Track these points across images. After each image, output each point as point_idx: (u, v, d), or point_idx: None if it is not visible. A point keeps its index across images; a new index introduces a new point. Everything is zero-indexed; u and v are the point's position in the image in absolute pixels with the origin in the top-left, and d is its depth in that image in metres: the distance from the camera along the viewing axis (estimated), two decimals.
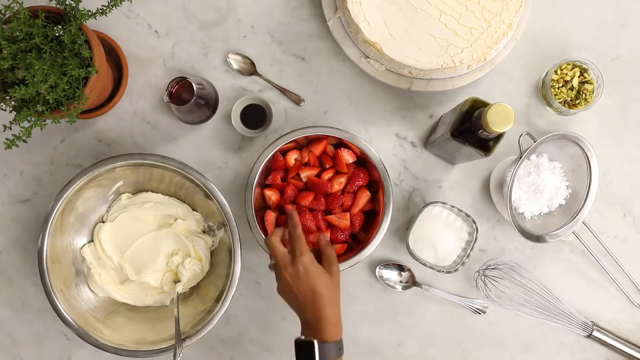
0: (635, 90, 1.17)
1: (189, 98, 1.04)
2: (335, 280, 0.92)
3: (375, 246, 1.05)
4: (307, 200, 1.07)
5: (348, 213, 1.08)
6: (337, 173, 1.09)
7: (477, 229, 1.10)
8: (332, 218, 1.08)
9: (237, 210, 1.10)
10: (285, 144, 1.06)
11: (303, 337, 0.89)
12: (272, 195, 1.09)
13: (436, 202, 1.12)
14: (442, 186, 1.17)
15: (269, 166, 1.08)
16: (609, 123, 1.17)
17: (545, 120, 1.17)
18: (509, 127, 0.90)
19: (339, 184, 1.08)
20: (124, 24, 1.17)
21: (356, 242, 1.11)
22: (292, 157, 1.09)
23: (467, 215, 1.11)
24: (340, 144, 1.10)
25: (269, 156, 1.05)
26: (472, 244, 1.10)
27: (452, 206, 1.12)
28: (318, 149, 1.09)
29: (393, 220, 1.08)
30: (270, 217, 1.08)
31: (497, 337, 1.17)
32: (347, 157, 1.09)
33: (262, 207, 1.10)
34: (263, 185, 1.10)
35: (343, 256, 1.08)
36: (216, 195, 1.06)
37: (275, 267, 0.94)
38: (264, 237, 1.05)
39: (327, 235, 1.07)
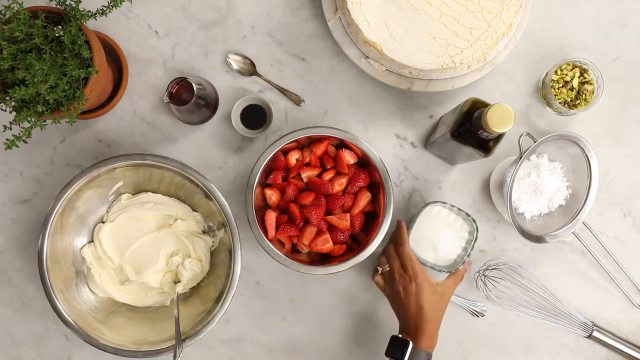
0: (635, 90, 1.17)
1: (189, 98, 1.04)
2: (442, 299, 1.04)
3: (375, 247, 1.05)
4: (308, 200, 1.07)
5: (348, 214, 1.08)
6: (338, 174, 1.09)
7: (477, 228, 1.10)
8: (332, 219, 1.08)
9: (237, 211, 1.11)
10: (287, 143, 1.06)
11: (400, 336, 1.01)
12: (272, 195, 1.09)
13: (436, 201, 1.12)
14: (442, 186, 1.17)
15: (270, 166, 1.08)
16: (609, 123, 1.17)
17: (545, 120, 1.17)
18: (509, 127, 0.90)
19: (339, 184, 1.08)
20: (124, 24, 1.17)
21: (356, 243, 1.11)
22: (294, 157, 1.09)
23: (467, 215, 1.11)
24: (341, 144, 1.10)
25: (270, 156, 1.05)
26: (472, 243, 1.10)
27: (452, 205, 1.11)
28: (319, 149, 1.09)
29: (393, 221, 1.08)
30: (271, 216, 1.08)
31: (497, 338, 1.17)
32: (348, 157, 1.09)
33: (263, 206, 1.10)
34: (264, 184, 1.10)
35: (342, 257, 1.08)
36: (216, 195, 1.06)
37: (390, 277, 1.06)
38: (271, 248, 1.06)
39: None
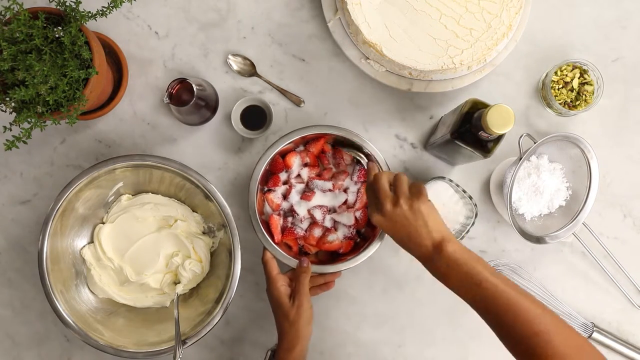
0: (635, 91, 1.17)
1: (189, 99, 1.04)
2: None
3: (381, 243, 1.05)
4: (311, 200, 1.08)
5: (352, 209, 1.08)
6: (338, 171, 1.10)
7: (476, 213, 1.10)
8: (336, 216, 1.08)
9: (237, 212, 1.10)
10: (284, 145, 1.06)
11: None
12: (274, 199, 1.09)
13: (444, 177, 1.12)
14: None
15: (268, 170, 1.08)
16: (609, 124, 1.17)
17: (546, 121, 1.17)
18: (509, 128, 0.90)
19: (341, 180, 1.09)
20: (124, 25, 1.17)
21: (363, 239, 1.11)
22: (292, 159, 1.09)
23: (470, 198, 1.10)
24: (338, 143, 1.10)
25: (269, 158, 1.05)
26: (468, 227, 1.10)
27: (458, 185, 1.10)
28: (316, 148, 1.09)
29: None
30: (275, 221, 1.08)
31: (497, 338, 1.17)
32: (346, 156, 1.09)
33: (266, 211, 1.10)
34: (265, 190, 1.10)
35: (352, 253, 1.08)
36: (216, 196, 1.06)
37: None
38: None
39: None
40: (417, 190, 0.92)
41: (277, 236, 1.07)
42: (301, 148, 1.11)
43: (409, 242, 0.91)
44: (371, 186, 0.96)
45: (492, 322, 0.85)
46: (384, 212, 0.92)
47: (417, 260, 1.13)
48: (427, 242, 0.89)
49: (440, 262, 0.88)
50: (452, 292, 0.91)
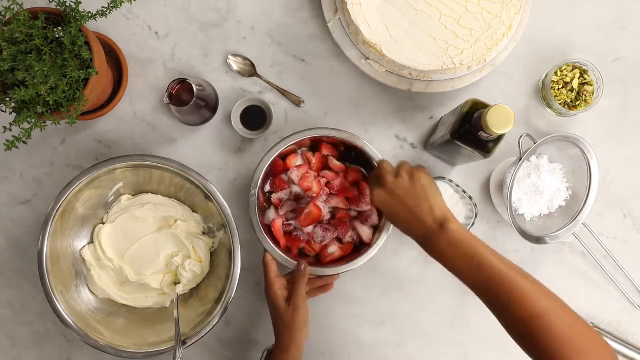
0: (635, 91, 1.17)
1: (189, 99, 1.04)
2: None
3: (382, 244, 1.05)
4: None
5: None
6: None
7: (476, 214, 1.10)
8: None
9: (237, 212, 1.10)
10: (283, 149, 1.06)
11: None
12: (275, 199, 1.09)
13: (444, 178, 1.12)
14: None
15: (269, 172, 1.08)
16: (609, 124, 1.17)
17: (545, 121, 1.17)
18: (509, 128, 0.90)
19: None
20: (124, 25, 1.17)
21: (362, 244, 1.11)
22: (292, 160, 1.08)
23: (471, 198, 1.10)
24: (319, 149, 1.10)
25: (268, 163, 1.05)
26: (468, 228, 1.09)
27: (458, 186, 1.10)
28: (317, 156, 1.09)
29: None
30: (277, 224, 1.07)
31: (498, 339, 1.17)
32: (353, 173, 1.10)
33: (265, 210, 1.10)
34: (268, 193, 1.10)
35: (351, 256, 1.08)
36: (216, 196, 1.06)
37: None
38: (268, 249, 1.05)
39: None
40: (418, 165, 0.94)
41: (282, 242, 1.07)
42: (301, 150, 1.11)
43: (411, 219, 0.90)
44: (374, 173, 0.97)
45: (492, 304, 0.83)
46: (384, 184, 0.93)
47: (417, 261, 1.13)
48: (429, 218, 0.88)
49: (442, 240, 0.87)
50: (453, 282, 0.89)
